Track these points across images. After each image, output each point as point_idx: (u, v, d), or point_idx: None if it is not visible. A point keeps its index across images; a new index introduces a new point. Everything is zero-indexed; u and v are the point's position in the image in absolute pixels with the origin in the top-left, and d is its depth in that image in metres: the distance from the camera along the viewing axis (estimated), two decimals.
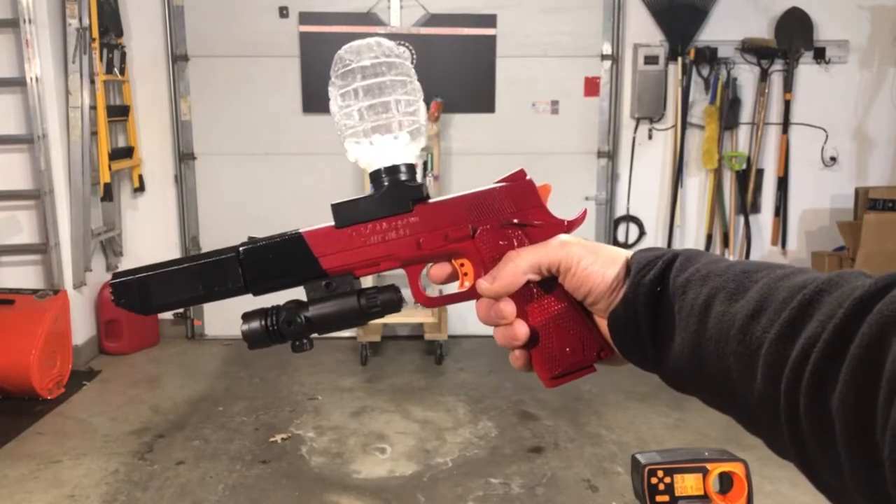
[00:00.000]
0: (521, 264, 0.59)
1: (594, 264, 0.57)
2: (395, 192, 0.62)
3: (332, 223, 0.62)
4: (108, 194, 4.12)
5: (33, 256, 4.09)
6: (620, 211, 4.72)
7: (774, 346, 0.44)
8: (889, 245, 4.10)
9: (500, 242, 0.61)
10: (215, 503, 2.76)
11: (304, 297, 0.61)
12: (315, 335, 0.61)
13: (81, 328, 4.13)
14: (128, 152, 4.40)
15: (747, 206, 4.67)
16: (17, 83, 3.86)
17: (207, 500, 2.77)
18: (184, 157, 4.53)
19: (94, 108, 4.00)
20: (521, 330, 0.60)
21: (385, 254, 0.61)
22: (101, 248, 4.46)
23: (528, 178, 0.63)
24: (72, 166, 3.98)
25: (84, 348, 4.17)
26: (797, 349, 0.42)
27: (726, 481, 0.83)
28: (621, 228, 4.75)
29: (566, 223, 0.62)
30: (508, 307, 0.60)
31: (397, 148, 0.62)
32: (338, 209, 0.62)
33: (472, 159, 4.52)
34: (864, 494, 0.39)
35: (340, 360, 4.31)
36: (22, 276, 4.05)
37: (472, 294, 0.62)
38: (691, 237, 4.77)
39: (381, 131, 0.61)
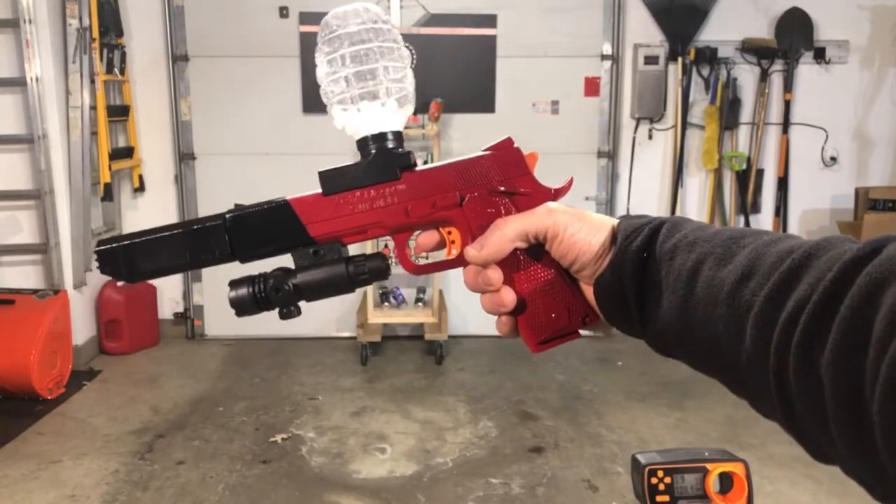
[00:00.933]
0: (508, 232, 0.59)
1: (580, 231, 0.58)
2: (383, 159, 0.61)
3: (320, 191, 0.61)
4: (109, 194, 4.13)
5: (33, 256, 4.09)
6: (621, 211, 4.72)
7: (764, 308, 0.45)
8: None
9: (488, 210, 0.61)
10: (215, 503, 2.76)
11: (291, 265, 0.61)
12: (303, 302, 0.61)
13: (81, 328, 4.13)
14: (128, 152, 4.40)
15: (747, 206, 4.67)
16: (17, 83, 3.86)
17: (208, 500, 2.77)
18: (184, 157, 4.53)
19: (94, 108, 4.00)
20: (508, 297, 0.61)
21: (373, 221, 0.61)
22: None
23: (515, 146, 0.63)
24: (72, 166, 3.98)
25: (84, 348, 4.17)
26: (787, 311, 0.43)
27: (726, 481, 0.83)
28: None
29: (553, 191, 0.62)
30: (496, 274, 0.60)
31: (385, 115, 0.61)
32: (325, 176, 0.61)
33: None
34: (851, 450, 0.40)
35: (340, 360, 4.31)
36: (22, 276, 4.05)
37: (459, 261, 0.63)
38: None
39: (368, 98, 0.60)
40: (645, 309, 0.56)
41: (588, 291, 0.60)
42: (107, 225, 4.42)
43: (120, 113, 4.35)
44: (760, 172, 4.70)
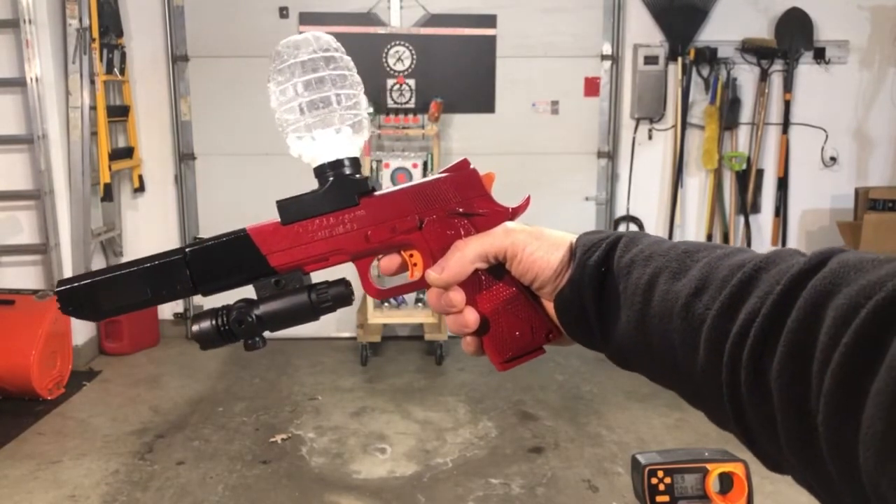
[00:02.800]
0: (468, 253, 0.60)
1: (539, 250, 0.59)
2: (341, 186, 0.62)
3: (279, 220, 0.62)
4: (108, 194, 4.12)
5: (33, 257, 4.09)
6: (620, 211, 4.72)
7: (716, 321, 0.46)
8: (889, 245, 4.10)
9: (448, 232, 0.62)
10: (215, 503, 2.76)
11: (254, 296, 0.61)
12: (267, 333, 0.62)
13: (81, 328, 4.13)
14: (128, 152, 4.40)
15: (747, 206, 4.67)
16: (17, 83, 3.86)
17: (207, 501, 2.77)
18: (184, 157, 4.53)
19: (94, 108, 4.00)
20: (471, 317, 0.61)
21: (333, 248, 0.62)
22: (101, 248, 4.46)
23: (471, 167, 0.64)
24: (72, 166, 3.98)
25: (84, 348, 4.17)
26: (738, 324, 0.44)
27: (726, 481, 0.83)
28: (621, 229, 4.74)
29: (510, 210, 0.63)
30: (458, 295, 0.61)
31: (340, 142, 0.62)
32: (283, 206, 0.62)
33: (472, 159, 4.50)
34: (800, 460, 0.41)
35: (340, 360, 4.31)
36: (22, 276, 4.05)
37: (422, 284, 0.63)
38: (691, 237, 4.76)
39: (322, 126, 0.61)
40: (604, 323, 0.56)
41: (550, 307, 0.61)
42: (107, 225, 4.42)
43: (120, 113, 4.34)
44: (760, 172, 4.70)
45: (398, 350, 4.48)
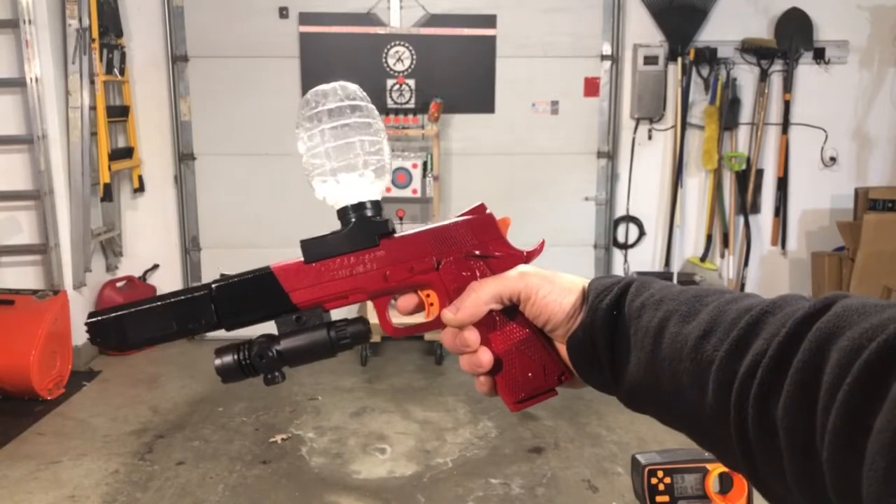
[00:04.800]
0: (483, 295, 0.62)
1: (552, 293, 0.60)
2: (362, 227, 0.64)
3: (301, 258, 0.64)
4: (108, 195, 4.12)
5: (33, 257, 4.09)
6: (620, 211, 4.72)
7: (724, 362, 0.47)
8: (889, 245, 4.10)
9: (463, 273, 0.64)
10: (215, 503, 2.76)
11: (275, 331, 0.63)
12: (287, 367, 0.63)
13: (81, 329, 4.07)
14: (128, 153, 4.40)
15: (747, 206, 4.67)
16: (17, 83, 3.86)
17: (207, 501, 2.77)
18: (184, 157, 4.53)
19: (93, 108, 4.00)
20: (485, 357, 0.63)
21: (353, 287, 0.64)
22: (100, 248, 4.46)
23: (488, 211, 0.66)
24: (72, 167, 3.98)
25: (84, 348, 4.17)
26: (745, 365, 0.46)
27: (726, 481, 0.83)
28: (621, 229, 4.75)
29: (525, 254, 0.65)
30: (472, 335, 0.63)
31: (362, 185, 0.64)
32: (307, 245, 0.64)
33: (471, 159, 4.53)
34: (804, 496, 0.42)
35: (340, 360, 4.31)
36: (22, 276, 4.05)
37: (437, 324, 0.65)
38: (691, 237, 4.77)
39: (346, 170, 0.63)
40: (616, 365, 0.58)
41: (562, 350, 0.62)
42: (106, 225, 4.42)
43: (120, 113, 4.34)
44: (760, 172, 4.70)
45: (398, 350, 4.49)
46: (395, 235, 0.64)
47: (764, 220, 4.77)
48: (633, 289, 0.58)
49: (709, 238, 4.71)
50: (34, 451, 3.16)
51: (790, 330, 0.44)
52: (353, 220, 0.64)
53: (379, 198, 0.65)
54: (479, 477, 2.96)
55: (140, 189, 4.51)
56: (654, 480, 0.82)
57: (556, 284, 0.61)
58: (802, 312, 0.44)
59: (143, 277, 4.60)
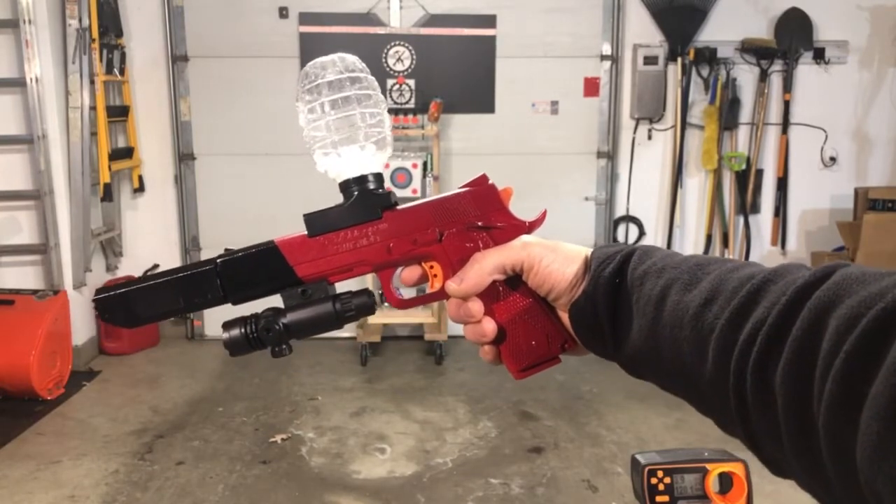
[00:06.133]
0: (486, 265, 0.62)
1: (555, 262, 0.61)
2: (365, 200, 0.64)
3: (305, 232, 0.64)
4: (108, 195, 4.12)
5: (33, 257, 4.09)
6: (620, 211, 4.72)
7: (725, 330, 0.48)
8: (889, 245, 4.10)
9: (467, 245, 0.64)
10: (215, 503, 2.76)
11: (281, 305, 0.64)
12: (294, 340, 0.64)
13: (81, 328, 4.13)
14: (128, 153, 4.40)
15: (747, 206, 4.67)
16: (17, 83, 3.86)
17: (207, 501, 2.77)
18: (184, 157, 4.53)
19: (93, 108, 4.00)
20: (489, 327, 0.64)
21: (357, 260, 0.64)
22: (100, 248, 4.46)
23: (490, 182, 0.66)
24: (72, 167, 3.98)
25: (84, 348, 4.17)
26: (745, 332, 0.46)
27: (726, 481, 0.83)
28: (621, 229, 4.75)
29: (527, 224, 0.65)
30: (476, 306, 0.63)
31: (364, 158, 0.64)
32: (310, 219, 0.64)
33: (471, 159, 4.52)
34: (800, 462, 0.43)
35: (340, 360, 4.31)
36: (22, 276, 4.05)
37: (441, 295, 0.65)
38: (691, 237, 4.77)
39: (347, 143, 0.63)
40: (617, 333, 0.58)
41: (565, 318, 0.63)
42: (106, 225, 4.42)
43: (119, 113, 4.34)
44: (760, 172, 4.70)
45: (398, 350, 4.49)
46: (398, 208, 0.65)
47: (764, 220, 4.77)
48: (636, 257, 0.59)
49: (709, 238, 4.71)
50: (34, 451, 3.16)
51: (790, 298, 0.44)
52: (356, 193, 0.64)
53: (380, 170, 0.65)
54: (478, 477, 2.96)
55: (140, 189, 4.51)
56: (653, 480, 0.82)
57: (558, 253, 0.61)
58: (803, 281, 0.45)
59: None
